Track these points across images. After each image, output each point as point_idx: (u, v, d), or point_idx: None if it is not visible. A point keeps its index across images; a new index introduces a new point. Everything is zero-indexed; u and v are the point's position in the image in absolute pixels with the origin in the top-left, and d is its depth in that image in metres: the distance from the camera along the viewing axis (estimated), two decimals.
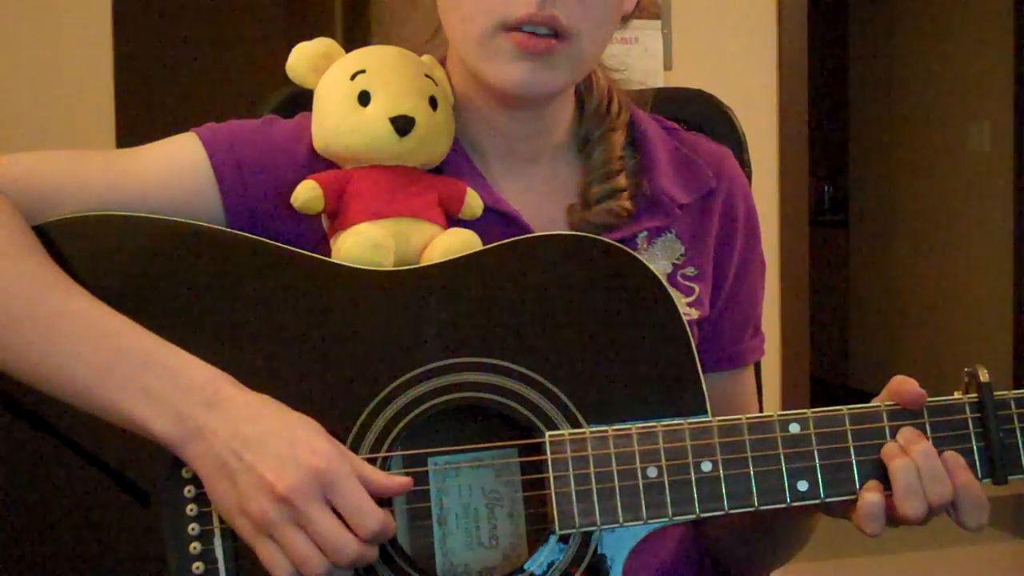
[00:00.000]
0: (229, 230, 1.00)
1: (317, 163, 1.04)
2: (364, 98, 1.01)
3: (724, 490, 0.92)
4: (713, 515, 0.92)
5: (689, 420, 0.93)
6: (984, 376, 0.94)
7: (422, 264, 0.98)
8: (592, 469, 0.92)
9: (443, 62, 1.11)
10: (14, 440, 0.93)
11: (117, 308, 0.92)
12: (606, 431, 0.92)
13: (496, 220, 1.05)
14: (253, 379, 0.91)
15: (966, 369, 0.96)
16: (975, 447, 0.93)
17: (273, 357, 0.93)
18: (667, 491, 0.92)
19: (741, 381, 1.17)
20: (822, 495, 0.92)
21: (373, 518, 0.85)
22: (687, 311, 1.07)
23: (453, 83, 1.09)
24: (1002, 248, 4.80)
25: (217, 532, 0.91)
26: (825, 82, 5.64)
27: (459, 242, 0.99)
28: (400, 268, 0.97)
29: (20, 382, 0.91)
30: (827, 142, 5.87)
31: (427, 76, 1.05)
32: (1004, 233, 4.78)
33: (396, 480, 0.89)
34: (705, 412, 0.95)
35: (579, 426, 0.93)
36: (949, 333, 5.17)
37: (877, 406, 0.94)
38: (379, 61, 1.04)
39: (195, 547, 0.91)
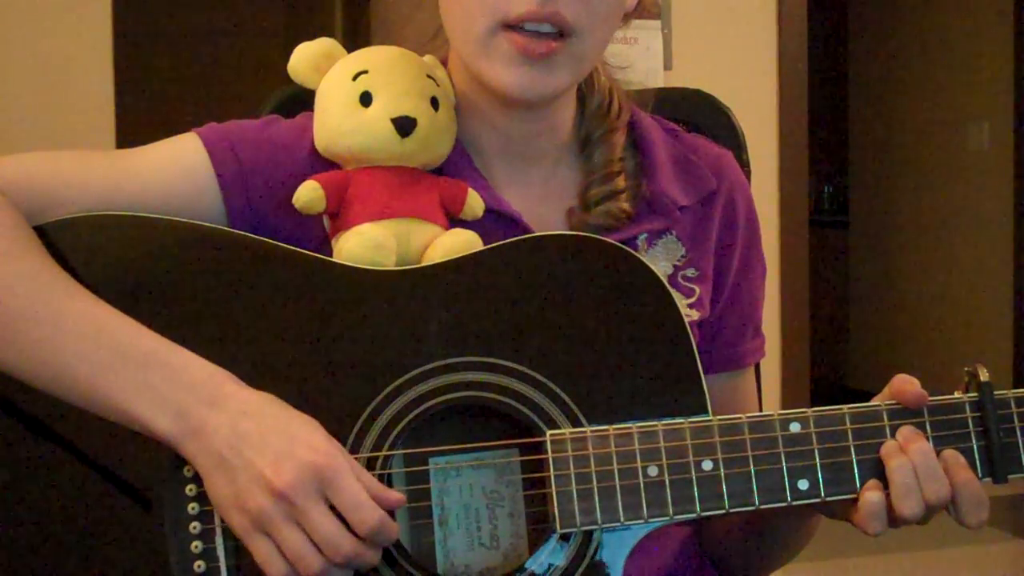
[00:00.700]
0: (230, 230, 1.00)
1: (319, 163, 1.04)
2: (366, 99, 1.01)
3: (725, 489, 0.92)
4: (714, 514, 0.92)
5: (690, 419, 0.93)
6: (984, 376, 0.94)
7: (424, 264, 0.98)
8: (593, 468, 0.92)
9: (444, 62, 1.11)
10: (15, 440, 0.93)
11: (118, 307, 0.92)
12: (607, 430, 0.93)
13: (497, 221, 1.05)
14: (255, 378, 0.91)
15: (966, 369, 0.96)
16: (975, 446, 0.94)
17: (274, 356, 0.94)
18: (668, 490, 0.92)
19: (741, 383, 1.17)
20: (822, 494, 0.92)
21: (371, 515, 0.85)
22: (687, 312, 1.07)
23: (454, 83, 1.09)
24: (1002, 248, 4.80)
25: (218, 531, 0.91)
26: (825, 82, 5.64)
27: (461, 243, 0.99)
28: (401, 268, 0.97)
29: (21, 381, 0.91)
30: (827, 142, 5.87)
31: (429, 76, 1.05)
32: (1004, 233, 4.78)
33: (392, 494, 0.88)
34: (706, 412, 0.95)
35: (580, 425, 0.93)
36: (949, 333, 5.17)
37: (877, 405, 0.95)
38: (381, 61, 1.04)
39: (196, 546, 0.91)
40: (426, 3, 1.11)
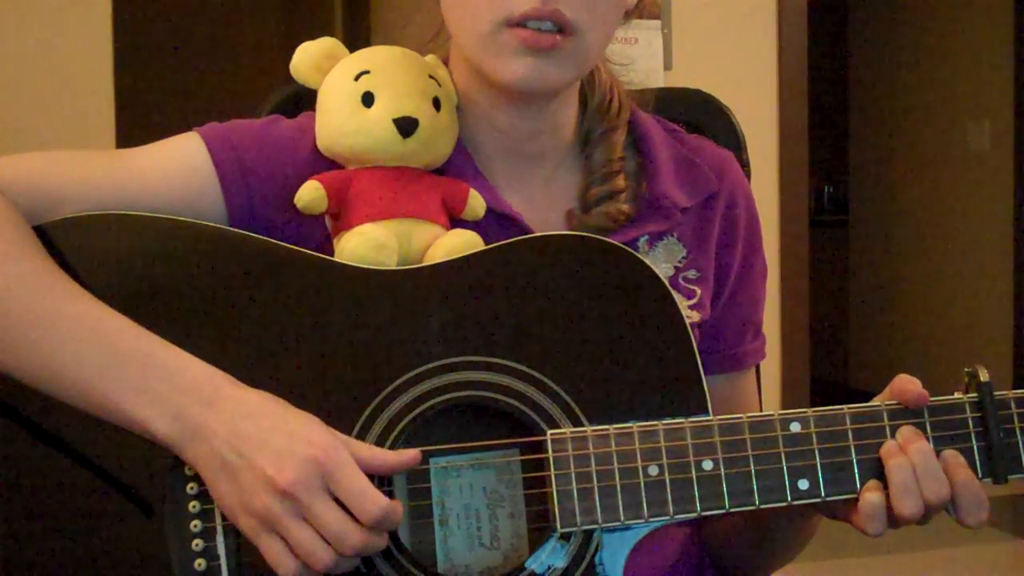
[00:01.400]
0: (232, 230, 1.00)
1: (320, 163, 1.04)
2: (368, 99, 1.01)
3: (725, 489, 0.92)
4: (714, 514, 0.92)
5: (690, 419, 0.93)
6: (984, 376, 0.94)
7: (425, 264, 0.98)
8: (594, 468, 0.92)
9: (445, 62, 1.11)
10: (15, 440, 0.93)
11: (118, 308, 0.92)
12: (607, 430, 0.93)
13: (497, 221, 1.05)
14: (256, 378, 0.91)
15: (966, 369, 0.96)
16: (975, 447, 0.94)
17: (276, 356, 0.94)
18: (668, 489, 0.92)
19: (742, 384, 1.17)
20: (823, 494, 0.93)
21: (375, 503, 0.85)
22: (688, 314, 1.07)
23: (456, 83, 1.09)
24: (1002, 248, 4.80)
25: (219, 529, 0.91)
26: (825, 82, 5.64)
27: (462, 243, 0.99)
28: (403, 268, 0.98)
29: (21, 383, 0.91)
30: (827, 142, 5.87)
31: (431, 77, 1.05)
32: (1004, 233, 4.79)
33: (405, 455, 0.89)
34: (706, 411, 0.95)
35: (581, 425, 0.93)
36: (949, 333, 5.17)
37: (878, 405, 0.95)
38: (383, 61, 1.04)
39: (197, 544, 0.91)
40: (426, 3, 1.11)
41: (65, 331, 0.90)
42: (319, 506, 0.84)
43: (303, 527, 0.85)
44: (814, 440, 0.93)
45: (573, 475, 0.92)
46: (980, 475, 0.93)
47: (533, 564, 0.93)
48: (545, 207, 1.09)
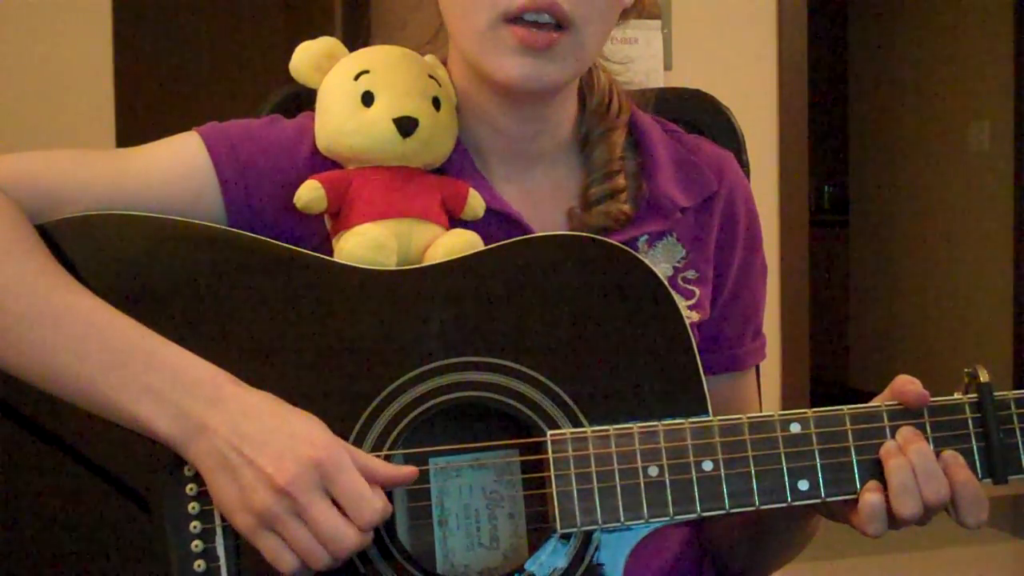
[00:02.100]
0: (231, 229, 1.00)
1: (320, 163, 1.04)
2: (368, 98, 1.01)
3: (725, 489, 0.92)
4: (714, 514, 0.92)
5: (690, 420, 0.93)
6: (984, 376, 0.94)
7: (424, 264, 0.98)
8: (594, 468, 0.92)
9: (444, 62, 1.11)
10: (15, 440, 0.93)
11: (120, 307, 0.92)
12: (607, 430, 0.93)
13: (497, 221, 1.05)
14: (256, 378, 0.91)
15: (966, 369, 0.96)
16: (975, 447, 0.94)
17: (275, 356, 0.94)
18: (668, 490, 0.92)
19: (742, 385, 1.17)
20: (823, 494, 0.93)
21: (371, 508, 0.86)
22: (687, 314, 1.06)
23: (455, 83, 1.09)
24: (1002, 248, 4.80)
25: (219, 530, 0.91)
26: (825, 82, 5.64)
27: (462, 243, 0.99)
28: (402, 268, 0.98)
29: (23, 381, 0.91)
30: (827, 142, 5.87)
31: (431, 76, 1.05)
32: (1004, 233, 4.79)
33: (403, 470, 0.89)
34: (706, 412, 0.95)
35: (580, 425, 0.93)
36: (949, 333, 5.17)
37: (878, 406, 0.95)
38: (383, 61, 1.04)
39: (197, 545, 0.91)
40: (425, 3, 1.11)
41: (67, 329, 0.90)
42: (315, 506, 0.85)
43: (300, 526, 0.85)
44: (814, 441, 0.93)
45: (573, 476, 0.92)
46: (980, 475, 0.93)
47: (532, 565, 0.93)
48: (545, 206, 1.09)
